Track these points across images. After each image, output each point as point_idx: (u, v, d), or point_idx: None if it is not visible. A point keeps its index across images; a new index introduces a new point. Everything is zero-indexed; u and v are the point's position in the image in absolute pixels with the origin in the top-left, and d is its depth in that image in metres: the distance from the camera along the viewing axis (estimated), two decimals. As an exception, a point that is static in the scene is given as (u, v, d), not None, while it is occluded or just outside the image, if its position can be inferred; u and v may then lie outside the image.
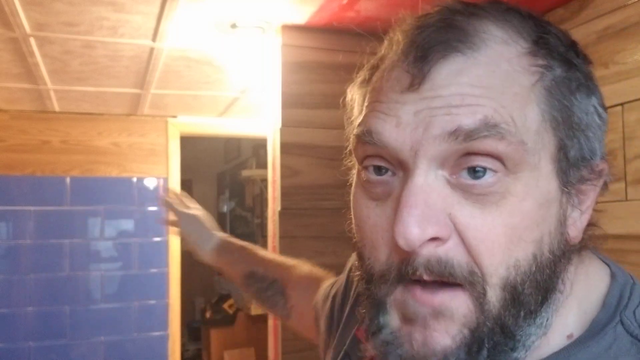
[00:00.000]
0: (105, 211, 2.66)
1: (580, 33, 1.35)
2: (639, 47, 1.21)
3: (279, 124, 1.47)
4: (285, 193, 1.46)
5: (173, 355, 2.74)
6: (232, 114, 2.64)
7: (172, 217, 1.10)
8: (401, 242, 0.38)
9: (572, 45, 0.43)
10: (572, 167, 0.41)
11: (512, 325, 0.39)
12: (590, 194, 0.43)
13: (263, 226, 4.11)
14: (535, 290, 0.39)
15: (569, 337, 0.43)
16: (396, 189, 0.41)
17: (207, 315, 4.03)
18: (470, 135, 0.37)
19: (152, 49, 1.67)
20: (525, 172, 0.38)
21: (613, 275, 0.44)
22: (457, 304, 0.39)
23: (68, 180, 2.62)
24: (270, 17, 1.43)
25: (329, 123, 1.50)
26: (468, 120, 0.38)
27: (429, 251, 0.39)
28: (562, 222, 0.41)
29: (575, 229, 0.42)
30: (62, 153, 2.62)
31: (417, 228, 0.37)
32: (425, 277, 0.39)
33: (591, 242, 0.46)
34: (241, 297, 3.81)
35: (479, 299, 0.39)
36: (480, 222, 0.38)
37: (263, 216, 4.22)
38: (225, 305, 3.95)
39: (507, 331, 0.39)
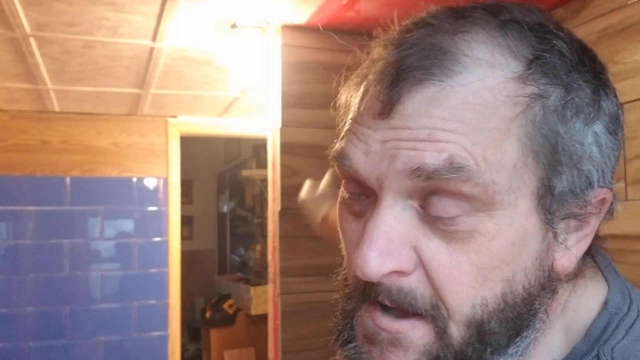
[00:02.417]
0: (105, 211, 2.67)
1: (580, 33, 1.35)
2: (638, 47, 1.21)
3: (278, 124, 1.47)
4: (285, 193, 1.46)
5: (173, 355, 2.74)
6: (232, 114, 2.64)
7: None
8: (359, 275, 0.37)
9: (580, 62, 0.38)
10: (558, 202, 0.38)
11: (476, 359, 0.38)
12: (590, 223, 0.40)
13: (263, 226, 4.11)
14: (505, 327, 0.38)
15: None
16: (369, 211, 0.40)
17: (207, 315, 4.03)
18: (432, 175, 0.36)
19: (152, 49, 1.67)
20: (497, 211, 0.37)
21: (606, 302, 0.42)
22: (418, 334, 0.39)
23: (68, 180, 2.62)
24: (270, 17, 1.43)
25: (329, 123, 1.50)
26: (432, 159, 0.36)
27: (390, 280, 0.38)
28: (544, 257, 0.39)
29: (566, 261, 0.40)
30: (62, 153, 2.62)
31: (375, 263, 0.37)
32: (387, 303, 0.39)
33: (596, 261, 0.45)
34: (241, 297, 3.81)
35: (440, 333, 0.38)
36: (445, 258, 0.37)
37: (263, 216, 4.23)
38: (225, 305, 3.95)
39: None
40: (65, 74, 1.94)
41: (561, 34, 0.39)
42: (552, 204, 0.38)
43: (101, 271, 2.65)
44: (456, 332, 0.38)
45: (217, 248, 5.37)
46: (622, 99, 1.34)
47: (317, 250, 1.47)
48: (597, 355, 0.39)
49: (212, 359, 3.83)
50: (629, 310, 0.41)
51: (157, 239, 2.73)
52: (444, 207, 0.37)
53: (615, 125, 0.40)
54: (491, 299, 0.37)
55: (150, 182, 2.73)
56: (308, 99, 1.49)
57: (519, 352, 0.39)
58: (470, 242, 0.37)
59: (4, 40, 1.58)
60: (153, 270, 2.72)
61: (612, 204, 0.41)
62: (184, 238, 3.15)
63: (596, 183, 0.38)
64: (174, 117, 2.74)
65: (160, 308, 2.72)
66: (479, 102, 0.36)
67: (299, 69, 1.49)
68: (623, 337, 0.39)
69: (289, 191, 1.45)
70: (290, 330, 1.43)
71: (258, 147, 4.23)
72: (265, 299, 3.14)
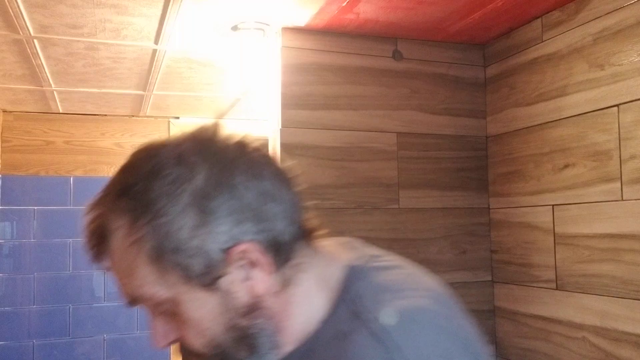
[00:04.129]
0: (108, 211, 2.68)
1: (577, 35, 1.36)
2: (634, 49, 1.22)
3: (279, 125, 1.49)
4: (285, 193, 1.47)
5: (175, 352, 2.75)
6: (233, 115, 2.66)
7: None
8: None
9: (155, 199, 0.53)
10: (203, 275, 0.54)
11: None
12: (256, 259, 0.54)
13: (265, 226, 4.12)
14: (236, 348, 0.56)
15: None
16: None
17: (209, 314, 4.05)
18: (131, 305, 0.59)
19: (154, 51, 1.69)
20: (177, 301, 0.55)
21: (348, 265, 0.58)
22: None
23: (71, 180, 2.64)
24: (271, 20, 1.45)
25: (329, 124, 1.52)
26: (124, 296, 0.59)
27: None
28: (227, 304, 0.55)
29: (262, 284, 0.55)
30: (66, 153, 2.64)
31: (156, 343, 0.61)
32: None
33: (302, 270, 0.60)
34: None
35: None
36: (177, 326, 0.58)
37: (265, 216, 4.22)
38: (227, 305, 3.96)
39: None
40: (69, 76, 1.96)
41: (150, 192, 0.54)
42: (200, 277, 0.54)
43: (104, 270, 2.67)
44: (211, 358, 0.57)
45: (219, 248, 5.38)
46: (617, 100, 1.35)
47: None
48: (344, 300, 0.55)
49: (214, 358, 3.85)
50: (365, 264, 0.58)
51: (159, 238, 2.75)
52: (157, 308, 0.58)
53: (206, 214, 0.53)
54: (209, 339, 0.56)
55: (152, 182, 2.75)
56: (308, 100, 1.51)
57: (265, 351, 0.56)
58: (181, 318, 0.56)
59: (9, 42, 1.60)
60: (155, 269, 2.74)
61: (264, 241, 0.55)
62: (186, 238, 3.16)
63: (218, 251, 0.53)
64: (176, 118, 2.76)
65: (162, 307, 2.73)
66: (122, 256, 0.56)
67: (298, 71, 1.51)
68: (358, 281, 0.56)
69: (289, 191, 1.47)
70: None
71: (260, 148, 4.23)
72: (267, 299, 3.14)
